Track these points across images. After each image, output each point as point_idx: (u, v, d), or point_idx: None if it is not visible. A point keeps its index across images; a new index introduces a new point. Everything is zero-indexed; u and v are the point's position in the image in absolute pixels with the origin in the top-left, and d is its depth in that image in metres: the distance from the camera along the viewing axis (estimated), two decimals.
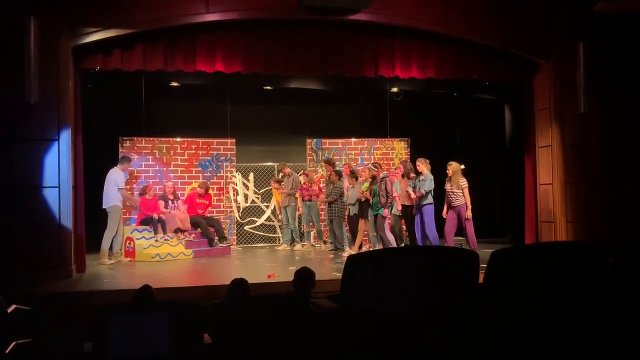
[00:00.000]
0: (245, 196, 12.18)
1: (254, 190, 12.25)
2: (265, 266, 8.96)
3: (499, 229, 12.37)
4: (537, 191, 10.22)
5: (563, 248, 3.77)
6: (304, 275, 5.15)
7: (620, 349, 3.38)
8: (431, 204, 9.31)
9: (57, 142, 7.87)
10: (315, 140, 12.31)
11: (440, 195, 9.50)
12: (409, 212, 9.77)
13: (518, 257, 3.50)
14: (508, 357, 3.25)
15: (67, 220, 7.89)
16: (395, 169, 10.91)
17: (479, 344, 3.25)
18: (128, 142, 11.20)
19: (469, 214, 9.03)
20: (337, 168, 10.81)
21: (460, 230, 9.30)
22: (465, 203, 9.05)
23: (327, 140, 12.37)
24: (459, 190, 9.08)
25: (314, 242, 11.36)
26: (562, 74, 9.70)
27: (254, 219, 12.24)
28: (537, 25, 9.72)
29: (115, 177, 9.52)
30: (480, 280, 3.64)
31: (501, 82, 10.58)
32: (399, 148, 12.47)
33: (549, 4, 9.77)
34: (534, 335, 3.25)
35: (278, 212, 11.87)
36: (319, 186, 11.40)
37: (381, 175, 9.68)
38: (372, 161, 10.98)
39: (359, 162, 11.99)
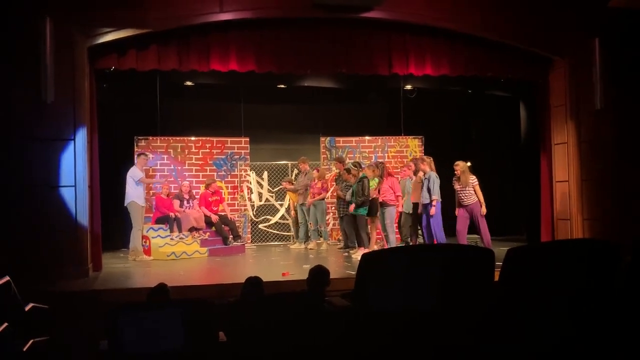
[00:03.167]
0: (260, 195, 12.21)
1: (268, 189, 12.27)
2: (280, 264, 8.98)
3: (515, 227, 12.30)
4: (553, 188, 10.15)
5: (578, 246, 3.75)
6: (318, 273, 5.15)
7: (633, 346, 3.35)
8: (433, 202, 9.25)
9: (73, 141, 7.94)
10: (328, 138, 12.30)
11: (448, 193, 9.46)
12: (417, 210, 9.74)
13: (533, 255, 3.49)
14: (524, 354, 3.24)
15: (83, 219, 7.96)
16: (402, 167, 10.86)
17: (495, 342, 3.24)
18: (143, 141, 11.27)
19: (483, 210, 8.99)
20: (348, 166, 10.75)
21: (474, 228, 9.26)
22: (478, 200, 9.03)
23: (341, 139, 12.36)
24: (470, 188, 9.03)
25: (320, 240, 11.29)
26: (577, 71, 9.62)
27: (268, 217, 12.26)
28: (552, 21, 9.64)
29: (132, 174, 9.64)
30: (496, 278, 3.63)
31: (516, 78, 10.50)
32: (412, 146, 12.43)
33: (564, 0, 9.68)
34: (550, 332, 3.23)
35: (292, 210, 11.85)
36: (328, 184, 11.31)
37: (360, 175, 9.67)
38: (354, 160, 10.93)
39: (372, 160, 11.94)
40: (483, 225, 9.08)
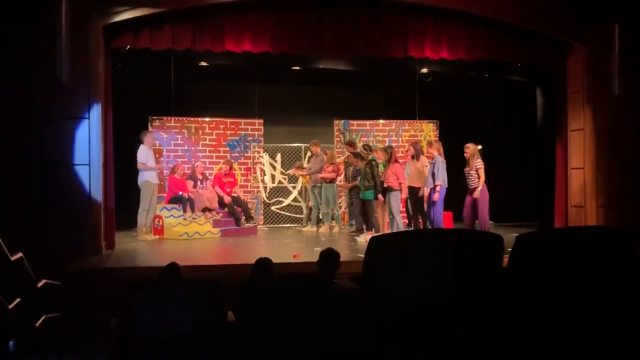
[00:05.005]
0: (273, 177, 12.23)
1: (281, 171, 12.28)
2: (291, 246, 9.00)
3: (529, 213, 12.23)
4: (568, 175, 10.05)
5: (588, 233, 3.71)
6: (329, 256, 5.17)
7: None
8: (437, 188, 9.13)
9: (87, 120, 7.97)
10: (342, 121, 12.26)
11: (460, 179, 9.35)
12: (416, 194, 9.66)
13: (543, 242, 3.46)
14: (531, 341, 3.23)
15: (97, 197, 8.01)
16: (406, 150, 10.77)
17: (501, 327, 3.24)
18: (157, 121, 11.30)
19: (476, 193, 8.84)
20: (358, 149, 10.66)
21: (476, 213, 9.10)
22: (484, 185, 8.88)
23: (355, 122, 12.31)
24: (474, 172, 8.89)
25: (333, 223, 11.26)
26: (595, 56, 9.47)
27: (280, 199, 12.28)
28: (571, 6, 9.48)
29: (138, 154, 9.69)
30: (505, 264, 3.61)
31: (533, 64, 10.38)
32: (427, 130, 12.36)
33: None
34: (556, 320, 3.22)
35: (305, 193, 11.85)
36: (339, 167, 11.26)
37: (369, 157, 9.61)
38: (363, 144, 10.87)
39: (386, 144, 11.87)
40: (484, 211, 8.88)
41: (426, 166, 9.60)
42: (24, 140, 7.73)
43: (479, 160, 8.95)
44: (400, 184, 9.39)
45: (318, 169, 11.06)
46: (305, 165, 11.83)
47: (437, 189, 9.08)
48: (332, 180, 10.91)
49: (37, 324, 4.73)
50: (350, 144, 10.86)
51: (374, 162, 9.53)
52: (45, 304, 5.15)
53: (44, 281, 5.42)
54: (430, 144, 9.66)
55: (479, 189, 8.82)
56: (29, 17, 7.71)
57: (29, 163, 7.72)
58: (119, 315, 4.44)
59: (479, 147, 9.27)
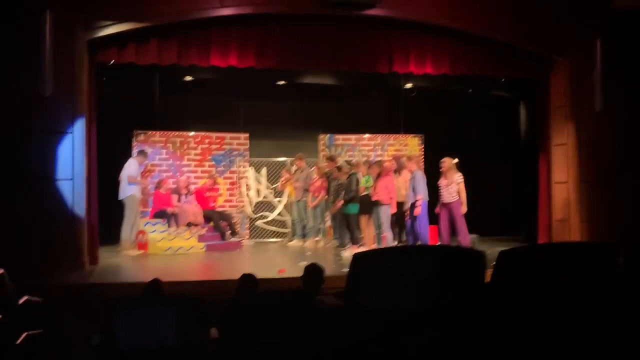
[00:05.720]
0: (258, 191, 12.18)
1: (267, 185, 12.24)
2: (276, 261, 8.98)
3: (513, 228, 12.27)
4: (552, 190, 10.12)
5: (571, 248, 3.74)
6: (313, 271, 5.15)
7: (626, 350, 3.35)
8: (418, 202, 9.17)
9: (71, 134, 7.94)
10: (328, 136, 12.28)
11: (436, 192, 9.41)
12: (401, 209, 9.69)
13: (525, 257, 3.48)
14: (513, 356, 3.24)
15: (80, 212, 7.96)
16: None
17: (484, 343, 3.25)
18: (142, 135, 11.25)
19: (464, 209, 8.90)
20: (340, 164, 10.69)
21: (454, 228, 9.15)
22: (459, 200, 8.93)
23: (340, 136, 12.33)
24: (454, 186, 8.94)
25: (319, 237, 11.24)
26: (578, 72, 9.59)
27: (266, 213, 12.23)
28: (554, 21, 9.61)
29: (128, 167, 9.61)
30: (488, 279, 3.62)
31: (517, 79, 10.49)
32: (412, 144, 12.41)
33: (567, 0, 9.65)
34: (539, 335, 3.24)
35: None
36: (322, 182, 11.25)
37: (350, 172, 9.71)
38: (347, 158, 10.96)
39: (371, 159, 11.91)
40: (462, 226, 8.95)
41: (408, 180, 9.65)
42: (6, 154, 7.67)
43: (459, 174, 9.01)
44: (391, 198, 9.42)
45: (305, 183, 11.06)
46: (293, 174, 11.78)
47: (418, 203, 9.12)
48: (321, 198, 10.93)
49: (19, 342, 4.67)
50: (332, 159, 10.89)
51: (353, 176, 9.59)
52: (26, 320, 5.09)
53: (25, 298, 5.36)
54: (409, 158, 9.73)
55: (464, 204, 8.89)
56: (13, 30, 7.69)
57: (11, 177, 7.66)
58: (100, 331, 4.39)
59: (455, 160, 9.33)
